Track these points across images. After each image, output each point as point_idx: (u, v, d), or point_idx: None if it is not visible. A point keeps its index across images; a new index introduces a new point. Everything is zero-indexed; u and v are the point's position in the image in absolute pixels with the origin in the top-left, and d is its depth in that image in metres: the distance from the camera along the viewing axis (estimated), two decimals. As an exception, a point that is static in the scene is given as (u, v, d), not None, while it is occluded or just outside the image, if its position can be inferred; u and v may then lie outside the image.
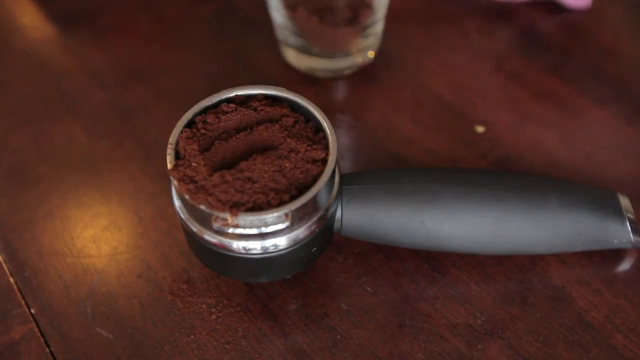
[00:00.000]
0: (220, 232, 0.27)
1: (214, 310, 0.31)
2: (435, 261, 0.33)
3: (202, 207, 0.26)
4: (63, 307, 0.32)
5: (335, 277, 0.33)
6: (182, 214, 0.29)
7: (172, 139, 0.28)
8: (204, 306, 0.32)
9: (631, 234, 0.31)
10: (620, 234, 0.31)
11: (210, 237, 0.28)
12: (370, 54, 0.42)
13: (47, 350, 0.30)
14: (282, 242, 0.28)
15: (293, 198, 0.27)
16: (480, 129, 0.39)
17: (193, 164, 0.28)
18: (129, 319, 0.31)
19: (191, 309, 0.32)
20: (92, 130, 0.40)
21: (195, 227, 0.28)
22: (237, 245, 0.28)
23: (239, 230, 0.27)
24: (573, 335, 0.30)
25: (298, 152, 0.28)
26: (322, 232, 0.29)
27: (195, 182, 0.27)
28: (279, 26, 0.41)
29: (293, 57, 0.42)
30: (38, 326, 0.31)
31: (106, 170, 0.37)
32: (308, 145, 0.28)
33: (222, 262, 0.29)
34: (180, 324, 0.31)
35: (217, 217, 0.27)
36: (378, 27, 0.41)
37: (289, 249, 0.28)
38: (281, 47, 0.43)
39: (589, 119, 0.40)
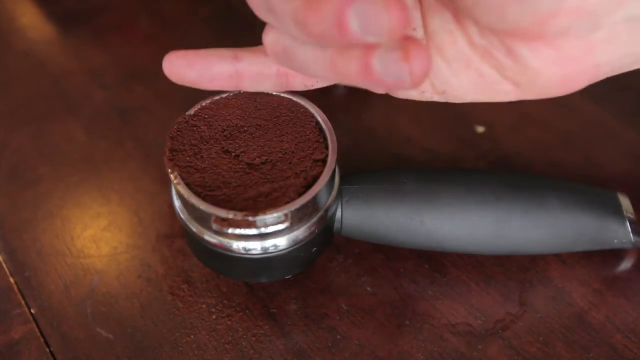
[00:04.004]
0: (220, 233, 0.27)
1: (214, 310, 0.31)
2: (435, 261, 0.33)
3: (202, 207, 0.26)
4: (63, 307, 0.32)
5: (335, 277, 0.33)
6: (182, 214, 0.29)
7: (172, 133, 0.29)
8: (204, 306, 0.32)
9: (631, 234, 0.31)
10: (620, 234, 0.31)
11: (210, 238, 0.28)
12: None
13: (47, 350, 0.30)
14: (282, 242, 0.28)
15: (293, 198, 0.27)
16: (480, 129, 0.39)
17: (187, 158, 0.28)
18: (129, 319, 0.31)
19: (191, 309, 0.32)
20: (92, 130, 0.40)
21: (195, 228, 0.28)
22: (237, 245, 0.28)
23: (238, 231, 0.27)
24: (573, 335, 0.30)
25: (298, 152, 0.28)
26: (322, 232, 0.29)
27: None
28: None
29: (293, 57, 0.42)
30: (38, 326, 0.31)
31: (106, 170, 0.37)
32: (308, 145, 0.28)
33: (222, 262, 0.29)
34: (180, 324, 0.31)
35: (216, 218, 0.27)
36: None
37: (289, 249, 0.28)
38: (281, 47, 0.43)
39: (589, 119, 0.40)
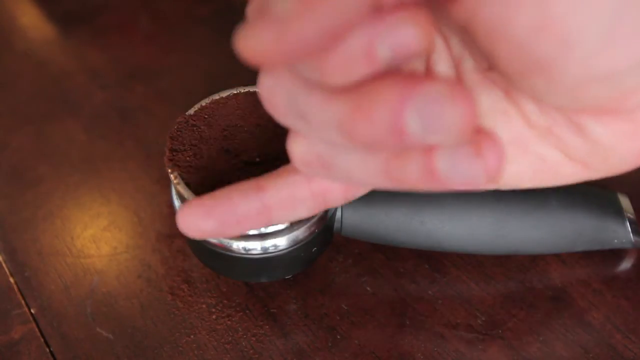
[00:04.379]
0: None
1: (214, 310, 0.31)
2: (435, 261, 0.33)
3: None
4: (63, 307, 0.32)
5: (335, 277, 0.33)
6: (182, 214, 0.29)
7: (172, 133, 0.29)
8: (204, 306, 0.32)
9: (631, 234, 0.31)
10: (620, 234, 0.31)
11: (210, 238, 0.28)
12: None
13: (47, 350, 0.30)
14: (282, 242, 0.28)
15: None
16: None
17: (187, 158, 0.28)
18: (129, 319, 0.31)
19: (191, 309, 0.32)
20: (92, 130, 0.40)
21: (195, 227, 0.28)
22: (237, 245, 0.28)
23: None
24: (573, 335, 0.30)
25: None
26: (322, 232, 0.29)
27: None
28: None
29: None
30: (38, 326, 0.31)
31: (106, 170, 0.37)
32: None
33: (222, 262, 0.29)
34: (180, 324, 0.31)
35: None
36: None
37: (289, 249, 0.28)
38: (281, 47, 0.43)
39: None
